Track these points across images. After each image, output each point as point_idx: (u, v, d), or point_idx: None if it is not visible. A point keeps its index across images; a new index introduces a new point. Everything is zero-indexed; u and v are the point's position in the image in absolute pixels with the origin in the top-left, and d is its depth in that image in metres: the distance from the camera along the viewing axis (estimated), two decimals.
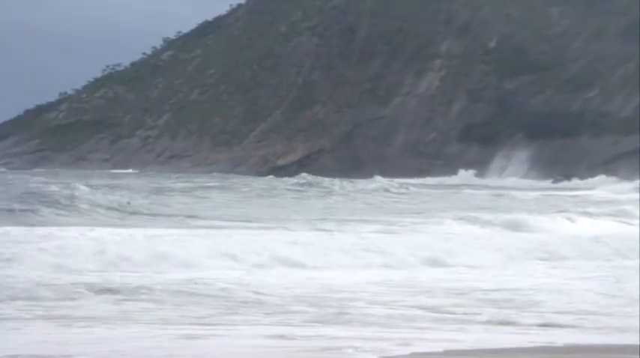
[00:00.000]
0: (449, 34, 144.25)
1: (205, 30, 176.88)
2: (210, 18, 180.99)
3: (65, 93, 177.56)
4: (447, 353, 12.77)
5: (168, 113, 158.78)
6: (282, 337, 13.73)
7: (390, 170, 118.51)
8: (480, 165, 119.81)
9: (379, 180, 78.57)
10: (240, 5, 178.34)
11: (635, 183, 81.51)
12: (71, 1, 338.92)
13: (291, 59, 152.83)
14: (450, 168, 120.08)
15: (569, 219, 38.63)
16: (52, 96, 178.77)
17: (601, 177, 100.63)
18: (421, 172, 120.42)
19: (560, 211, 42.38)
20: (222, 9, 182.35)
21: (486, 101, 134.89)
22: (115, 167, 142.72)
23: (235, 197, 57.33)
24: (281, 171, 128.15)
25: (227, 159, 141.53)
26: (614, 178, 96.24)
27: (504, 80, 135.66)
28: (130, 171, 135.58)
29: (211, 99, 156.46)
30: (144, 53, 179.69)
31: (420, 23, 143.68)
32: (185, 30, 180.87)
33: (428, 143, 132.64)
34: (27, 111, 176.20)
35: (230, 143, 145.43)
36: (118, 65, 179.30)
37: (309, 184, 70.98)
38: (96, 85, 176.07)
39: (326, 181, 73.32)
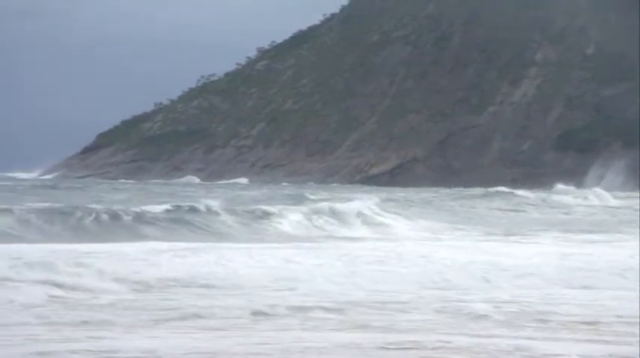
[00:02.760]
0: (545, 42, 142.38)
1: (299, 40, 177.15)
2: (303, 27, 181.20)
3: (161, 103, 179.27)
4: None
5: (262, 123, 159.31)
6: None
7: (485, 179, 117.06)
8: (577, 174, 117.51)
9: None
10: (333, 15, 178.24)
11: None
12: (167, 14, 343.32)
13: (384, 68, 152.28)
14: (546, 177, 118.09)
15: None
16: (148, 107, 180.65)
17: None
18: (515, 181, 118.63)
19: None
20: (316, 19, 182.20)
21: (584, 109, 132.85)
22: (210, 177, 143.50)
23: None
24: (374, 181, 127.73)
25: (320, 168, 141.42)
26: None
27: (602, 87, 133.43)
28: (244, 180, 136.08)
29: (305, 109, 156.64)
30: (238, 63, 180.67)
31: (514, 31, 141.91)
32: (279, 40, 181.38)
33: (523, 151, 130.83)
34: (124, 122, 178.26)
35: (323, 152, 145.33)
36: (213, 75, 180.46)
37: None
38: (191, 95, 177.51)
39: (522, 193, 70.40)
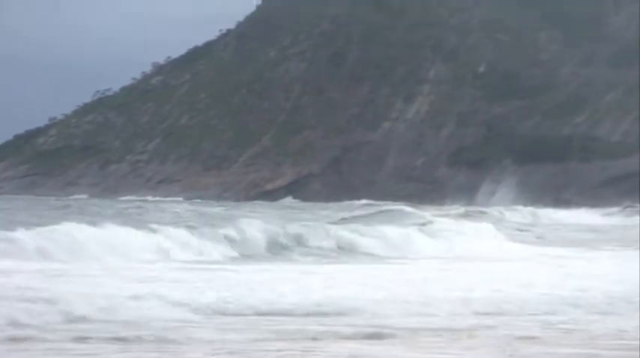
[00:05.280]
0: (438, 59, 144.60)
1: (195, 55, 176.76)
2: (199, 43, 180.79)
3: (55, 118, 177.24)
4: None
5: (157, 138, 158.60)
6: None
7: (380, 195, 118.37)
8: (469, 190, 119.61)
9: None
10: (229, 30, 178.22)
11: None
12: (61, 27, 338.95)
13: (280, 84, 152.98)
14: (439, 193, 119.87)
15: None
16: (42, 122, 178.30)
17: None
18: (410, 197, 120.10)
19: None
20: (212, 34, 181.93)
21: (475, 126, 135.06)
22: (105, 192, 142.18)
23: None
24: (270, 196, 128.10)
25: (216, 183, 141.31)
26: None
27: (493, 105, 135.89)
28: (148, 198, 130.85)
29: (201, 124, 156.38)
30: (133, 78, 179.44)
31: (408, 48, 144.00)
32: (175, 55, 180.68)
33: (417, 167, 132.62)
34: (16, 136, 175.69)
35: (220, 167, 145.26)
36: (108, 90, 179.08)
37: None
38: (85, 109, 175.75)
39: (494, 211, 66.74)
